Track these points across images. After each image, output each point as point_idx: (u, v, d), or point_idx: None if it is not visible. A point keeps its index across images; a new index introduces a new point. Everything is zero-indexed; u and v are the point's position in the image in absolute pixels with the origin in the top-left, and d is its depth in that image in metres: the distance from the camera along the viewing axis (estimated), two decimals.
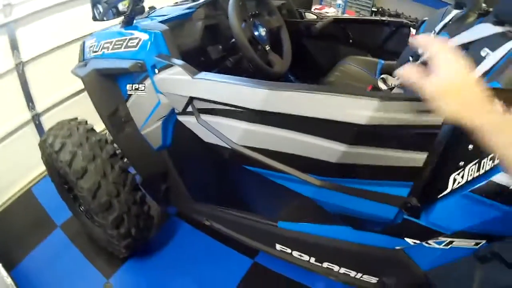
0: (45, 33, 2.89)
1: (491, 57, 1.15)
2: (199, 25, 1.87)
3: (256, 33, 1.84)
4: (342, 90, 1.03)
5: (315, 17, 2.73)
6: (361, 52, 2.72)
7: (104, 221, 1.80)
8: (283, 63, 1.91)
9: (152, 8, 2.16)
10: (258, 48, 1.82)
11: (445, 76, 0.71)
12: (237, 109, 1.22)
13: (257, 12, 1.97)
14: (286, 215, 1.52)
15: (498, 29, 1.29)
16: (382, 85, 2.26)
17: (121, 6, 1.63)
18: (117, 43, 1.66)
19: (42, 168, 2.27)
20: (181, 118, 1.46)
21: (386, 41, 2.77)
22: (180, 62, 1.41)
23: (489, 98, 0.68)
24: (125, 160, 1.91)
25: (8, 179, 2.85)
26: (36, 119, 2.95)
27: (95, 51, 1.80)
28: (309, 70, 2.73)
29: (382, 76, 2.30)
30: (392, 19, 2.80)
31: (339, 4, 4.42)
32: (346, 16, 2.83)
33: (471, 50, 1.33)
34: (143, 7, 1.68)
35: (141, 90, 1.60)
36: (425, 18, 2.49)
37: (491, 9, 1.54)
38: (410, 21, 2.72)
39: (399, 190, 1.12)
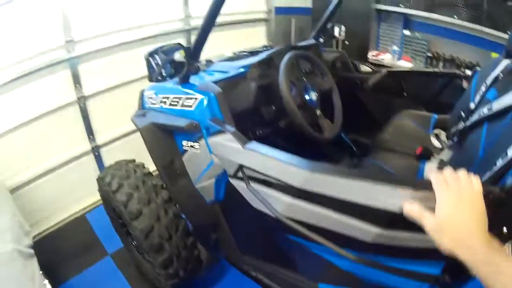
0: (107, 70, 3.09)
1: None
2: (252, 86, 1.87)
3: (307, 97, 1.85)
4: (378, 176, 1.07)
5: (370, 69, 2.71)
6: (415, 105, 2.68)
7: (154, 260, 1.86)
8: (333, 128, 1.90)
9: (209, 62, 2.24)
10: (308, 113, 1.83)
11: (441, 214, 0.80)
12: (282, 183, 1.27)
13: (309, 73, 1.99)
14: (326, 278, 1.53)
15: None
16: (434, 141, 2.24)
17: (178, 55, 1.69)
18: (174, 99, 1.74)
19: (97, 197, 2.41)
20: (232, 181, 1.52)
21: (439, 93, 2.72)
22: (231, 129, 1.47)
23: (486, 238, 0.74)
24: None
25: (65, 201, 3.03)
26: (95, 151, 3.15)
27: (153, 103, 1.90)
28: (363, 126, 2.71)
29: (435, 131, 2.29)
30: (445, 70, 2.80)
31: (395, 51, 4.37)
32: (399, 68, 2.79)
33: None
34: (198, 67, 1.73)
35: (196, 148, 1.67)
36: (477, 69, 2.42)
37: None
38: (463, 71, 2.65)
39: (432, 268, 1.13)
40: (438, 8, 4.02)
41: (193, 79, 1.77)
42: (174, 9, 3.55)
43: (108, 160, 3.20)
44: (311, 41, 2.52)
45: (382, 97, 2.59)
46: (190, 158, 1.76)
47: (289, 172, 1.23)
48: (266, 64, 1.96)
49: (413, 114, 2.51)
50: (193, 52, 1.66)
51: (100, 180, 2.12)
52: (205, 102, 1.57)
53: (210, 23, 1.54)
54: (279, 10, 4.66)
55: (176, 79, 1.78)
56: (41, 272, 2.07)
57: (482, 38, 4.00)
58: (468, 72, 2.51)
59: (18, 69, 2.56)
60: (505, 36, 3.64)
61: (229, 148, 1.44)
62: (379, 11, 4.44)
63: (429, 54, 4.27)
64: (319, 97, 1.89)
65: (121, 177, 1.97)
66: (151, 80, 1.80)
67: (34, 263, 2.06)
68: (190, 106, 1.63)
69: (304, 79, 1.91)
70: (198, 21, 3.50)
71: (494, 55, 3.93)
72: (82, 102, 2.95)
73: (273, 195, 1.32)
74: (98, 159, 3.19)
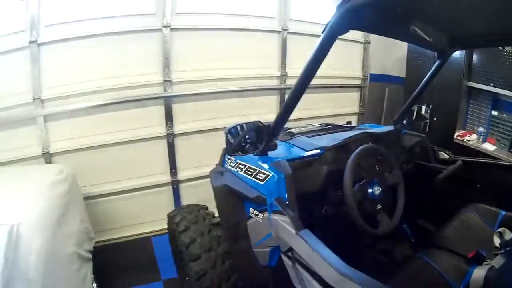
0: (199, 114, 3.38)
1: None
2: (323, 170, 1.89)
3: (369, 190, 1.84)
4: None
5: (447, 157, 2.68)
6: (486, 198, 2.55)
7: None
8: (389, 224, 1.85)
9: (291, 133, 2.35)
10: (368, 207, 1.82)
11: None
12: (318, 276, 1.33)
13: (379, 164, 1.98)
14: None
15: None
16: (496, 240, 2.10)
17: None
18: (249, 169, 1.85)
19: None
20: (283, 256, 1.62)
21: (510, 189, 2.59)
22: (291, 213, 1.53)
23: None
24: None
25: (136, 220, 3.32)
26: (174, 184, 3.41)
27: (231, 165, 2.04)
28: (432, 213, 2.65)
29: (499, 229, 2.14)
30: None
31: (481, 132, 4.23)
32: (475, 159, 2.67)
33: None
34: (275, 144, 1.82)
35: (260, 218, 1.76)
36: None
37: None
38: None
39: None
40: None
41: (272, 151, 1.88)
42: (271, 67, 3.74)
43: (185, 195, 3.48)
44: (390, 128, 2.55)
45: (454, 187, 2.51)
46: (253, 224, 1.86)
47: (326, 268, 1.29)
48: (341, 149, 2.01)
49: (481, 208, 2.44)
50: (272, 130, 1.77)
51: (170, 217, 2.32)
52: (275, 180, 1.66)
53: (291, 106, 1.65)
54: (374, 77, 4.76)
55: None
56: (92, 276, 2.33)
57: None
58: None
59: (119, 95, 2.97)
60: None
61: (284, 229, 1.53)
62: (470, 88, 4.32)
63: None
64: (383, 192, 1.88)
65: (189, 220, 2.17)
66: (229, 153, 1.89)
67: (89, 267, 2.31)
68: (262, 180, 1.74)
69: (371, 172, 1.92)
70: (292, 81, 3.75)
71: None
72: (170, 138, 3.26)
73: (311, 282, 1.40)
74: (176, 192, 3.44)
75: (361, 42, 4.43)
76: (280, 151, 1.93)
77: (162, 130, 3.21)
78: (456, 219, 2.31)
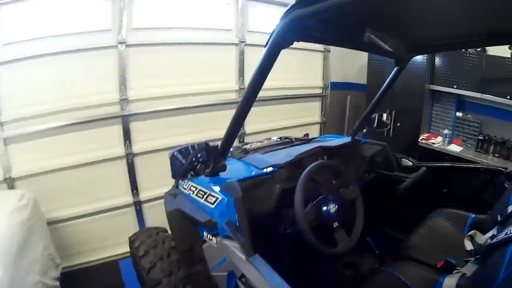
0: (158, 132, 3.30)
1: None
2: (276, 189, 1.80)
3: (324, 208, 1.74)
4: None
5: (411, 164, 2.64)
6: (454, 203, 2.55)
7: None
8: (348, 242, 1.76)
9: (244, 150, 2.29)
10: (324, 226, 1.73)
11: None
12: None
13: (334, 180, 1.92)
14: None
15: None
16: (468, 244, 2.11)
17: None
18: (200, 191, 1.77)
19: None
20: (238, 282, 1.54)
21: (480, 191, 2.60)
22: (241, 238, 1.47)
23: None
24: None
25: (102, 244, 3.21)
26: (137, 205, 3.32)
27: (184, 188, 1.95)
28: (400, 221, 2.62)
29: (470, 233, 2.17)
30: (488, 166, 2.66)
31: (446, 134, 4.25)
32: (439, 163, 2.65)
33: None
34: (224, 165, 1.73)
35: (214, 242, 1.69)
36: None
37: None
38: (505, 168, 2.52)
39: None
40: (491, 87, 3.88)
41: (224, 171, 1.81)
42: (229, 81, 3.72)
43: (149, 216, 3.40)
44: (347, 139, 2.50)
45: (419, 193, 2.48)
46: (208, 248, 1.79)
47: None
48: (295, 166, 1.94)
49: (449, 212, 2.43)
50: (220, 152, 1.70)
51: (130, 241, 2.23)
52: (224, 203, 1.60)
53: (238, 123, 1.61)
54: (335, 86, 4.78)
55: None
56: None
57: None
58: None
59: (76, 115, 2.88)
60: None
61: (235, 255, 1.47)
62: (433, 92, 4.36)
63: (481, 137, 4.09)
64: (340, 208, 1.79)
65: (149, 245, 2.09)
66: (173, 177, 1.75)
67: None
68: (212, 204, 1.67)
69: (326, 189, 1.83)
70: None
71: None
72: (130, 158, 3.17)
73: None
74: (139, 213, 3.35)
75: (321, 51, 4.45)
76: (233, 170, 1.86)
77: (121, 150, 3.13)
78: (423, 226, 2.29)
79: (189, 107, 3.35)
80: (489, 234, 2.02)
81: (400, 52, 2.06)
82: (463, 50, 3.97)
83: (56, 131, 2.84)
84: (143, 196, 3.32)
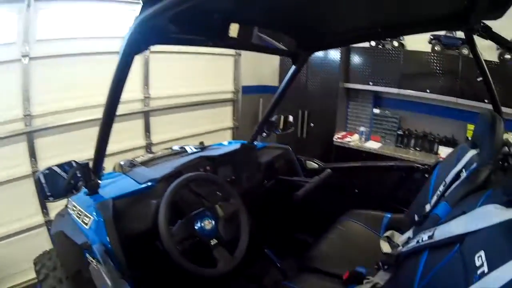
0: (65, 147, 3.17)
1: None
2: (153, 205, 1.67)
3: (197, 226, 1.62)
4: None
5: (317, 166, 2.58)
6: (368, 203, 2.50)
7: None
8: (231, 260, 1.62)
9: (130, 162, 2.18)
10: (199, 244, 1.61)
11: None
12: None
13: (211, 194, 1.81)
14: None
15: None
16: (385, 246, 2.06)
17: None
18: (79, 212, 1.66)
19: None
20: None
21: (395, 189, 2.59)
22: (109, 262, 1.37)
23: None
24: None
25: (21, 267, 3.03)
26: (48, 225, 3.16)
27: (69, 207, 1.82)
28: (310, 225, 2.54)
29: (387, 233, 2.13)
30: (402, 163, 2.66)
31: (362, 132, 4.26)
32: (347, 164, 2.61)
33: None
34: (97, 183, 1.64)
35: (95, 264, 1.58)
36: (439, 160, 2.36)
37: None
38: (422, 164, 2.53)
39: None
40: (410, 82, 4.01)
41: (103, 189, 1.69)
42: (135, 90, 3.65)
43: None
44: (237, 146, 2.34)
45: (329, 195, 2.41)
46: (93, 271, 1.66)
47: None
48: (174, 179, 1.76)
49: (362, 214, 2.37)
50: (93, 169, 1.60)
51: (34, 264, 2.11)
52: (96, 224, 1.52)
53: (104, 139, 1.51)
54: (248, 89, 4.80)
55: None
56: None
57: (456, 110, 4.00)
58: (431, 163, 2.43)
59: None
60: (479, 105, 3.65)
61: (103, 280, 1.38)
62: (348, 90, 4.43)
63: (400, 132, 4.21)
64: (218, 224, 1.67)
65: (48, 267, 1.96)
66: (45, 199, 1.62)
67: None
68: (86, 224, 1.58)
69: (205, 204, 1.74)
70: (157, 102, 3.69)
71: (470, 126, 3.91)
72: (36, 176, 2.99)
73: None
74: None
75: (232, 55, 4.45)
76: (114, 186, 1.79)
77: (27, 168, 2.98)
78: (333, 231, 2.22)
79: (94, 120, 3.18)
80: (405, 236, 2.00)
81: (293, 50, 2.04)
82: (380, 46, 4.12)
83: None
84: (53, 214, 3.06)
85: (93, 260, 1.56)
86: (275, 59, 4.61)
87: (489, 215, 1.13)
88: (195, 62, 3.92)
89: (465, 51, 3.59)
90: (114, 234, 1.47)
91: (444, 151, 3.88)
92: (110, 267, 1.34)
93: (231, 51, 4.42)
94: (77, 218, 1.66)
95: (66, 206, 1.95)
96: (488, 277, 0.94)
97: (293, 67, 2.16)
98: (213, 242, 1.61)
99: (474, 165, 1.68)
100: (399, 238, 2.06)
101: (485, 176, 1.55)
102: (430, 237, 1.36)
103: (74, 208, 1.72)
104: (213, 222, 1.65)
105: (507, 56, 3.43)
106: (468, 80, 3.67)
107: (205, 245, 1.60)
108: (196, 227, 1.61)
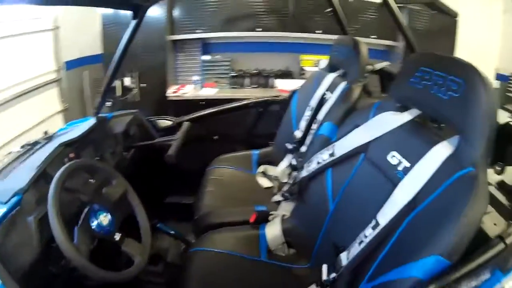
0: None
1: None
2: (31, 222, 1.25)
3: (94, 225, 1.32)
4: None
5: (170, 122, 2.45)
6: (233, 146, 2.55)
7: None
8: (143, 250, 1.41)
9: None
10: (105, 245, 1.36)
11: None
12: None
13: (95, 183, 1.55)
14: None
15: None
16: (262, 181, 2.12)
17: None
18: None
19: None
20: None
21: (256, 126, 2.65)
22: None
23: None
24: None
25: None
26: None
27: None
28: (182, 194, 2.50)
29: (260, 169, 2.19)
30: (257, 99, 2.66)
31: (196, 80, 4.19)
32: (201, 113, 2.47)
33: None
34: None
35: None
36: (296, 87, 2.43)
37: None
38: (276, 96, 2.65)
39: None
40: (238, 24, 4.11)
41: None
42: None
43: None
44: (91, 122, 1.96)
45: (192, 148, 2.17)
46: None
47: None
48: (43, 181, 1.40)
49: (229, 157, 2.38)
50: None
51: None
52: None
53: None
54: (70, 64, 4.10)
55: None
56: None
57: (286, 43, 4.30)
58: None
59: None
60: (309, 36, 4.04)
61: None
62: (174, 42, 4.27)
63: (234, 74, 4.32)
64: (113, 214, 1.40)
65: None
66: None
67: None
68: None
69: (87, 197, 1.41)
70: None
71: (303, 56, 4.29)
72: None
73: None
74: None
75: (49, 30, 3.79)
76: None
77: None
78: (205, 183, 2.14)
79: None
80: (283, 165, 2.11)
81: (135, 1, 1.77)
82: None
83: None
84: None
85: None
86: (95, 26, 4.07)
87: (388, 121, 1.27)
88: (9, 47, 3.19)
89: None
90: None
91: (280, 83, 4.17)
92: None
93: (48, 26, 3.74)
94: None
95: None
96: (414, 170, 1.05)
97: (133, 22, 1.88)
98: (117, 236, 1.37)
99: (342, 84, 1.86)
100: (275, 170, 2.14)
101: (359, 93, 1.76)
102: (331, 155, 1.44)
103: None
104: (108, 214, 1.38)
105: None
106: (298, 14, 3.99)
107: (111, 243, 1.35)
108: (93, 227, 1.32)
